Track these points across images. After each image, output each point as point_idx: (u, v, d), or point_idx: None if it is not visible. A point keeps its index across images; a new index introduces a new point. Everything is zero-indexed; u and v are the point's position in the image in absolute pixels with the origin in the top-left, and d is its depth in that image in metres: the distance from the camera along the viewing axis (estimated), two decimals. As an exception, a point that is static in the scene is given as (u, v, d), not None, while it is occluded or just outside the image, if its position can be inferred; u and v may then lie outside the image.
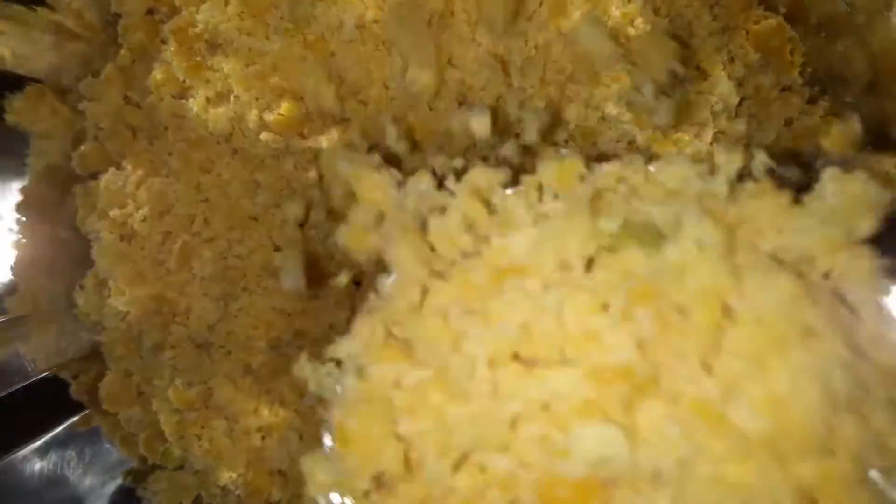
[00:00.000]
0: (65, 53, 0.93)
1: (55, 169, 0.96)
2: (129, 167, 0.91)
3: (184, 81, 0.87)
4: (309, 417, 0.96)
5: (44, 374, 0.93)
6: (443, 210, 0.63)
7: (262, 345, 0.93)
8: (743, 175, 0.60)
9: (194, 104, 0.86)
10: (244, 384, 0.93)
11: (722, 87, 0.80)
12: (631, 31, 0.77)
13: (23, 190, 0.94)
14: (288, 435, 0.95)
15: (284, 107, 0.83)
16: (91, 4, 0.90)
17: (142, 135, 0.89)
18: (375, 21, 0.80)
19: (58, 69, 0.94)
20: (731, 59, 0.81)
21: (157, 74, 0.88)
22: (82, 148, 0.93)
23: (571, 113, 0.80)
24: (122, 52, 0.92)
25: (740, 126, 0.81)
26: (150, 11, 0.89)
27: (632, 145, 0.80)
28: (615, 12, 0.77)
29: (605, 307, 0.54)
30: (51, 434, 0.93)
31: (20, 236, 0.94)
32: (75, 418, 0.95)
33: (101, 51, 0.93)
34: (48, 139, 0.96)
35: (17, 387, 0.90)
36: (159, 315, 0.89)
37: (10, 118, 0.91)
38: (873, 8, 0.81)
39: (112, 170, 0.92)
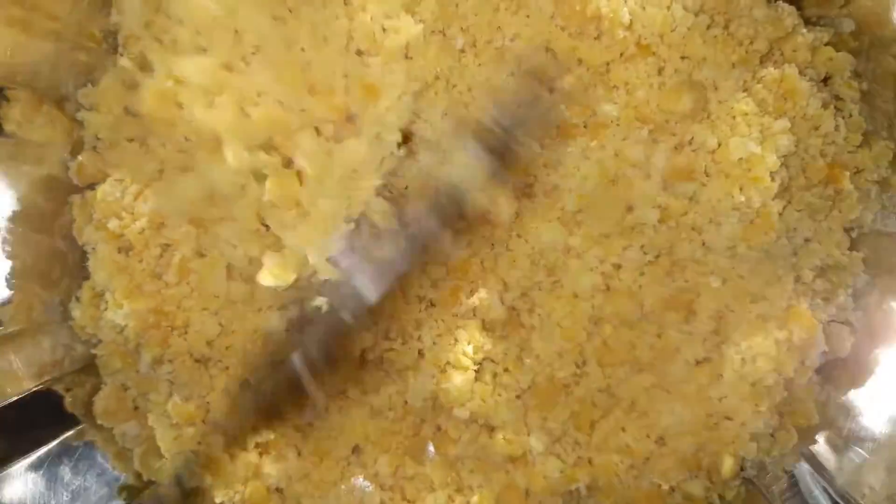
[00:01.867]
0: (63, 62, 0.92)
1: (52, 179, 0.94)
2: (127, 178, 0.89)
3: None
4: (308, 433, 0.95)
5: (37, 387, 0.91)
6: None
7: (262, 360, 0.92)
8: None
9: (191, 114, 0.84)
10: (242, 400, 0.92)
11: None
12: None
13: (19, 199, 0.93)
14: (285, 452, 0.94)
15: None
16: (91, 14, 0.89)
17: (140, 145, 0.88)
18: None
19: (56, 78, 0.92)
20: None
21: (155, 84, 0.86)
22: (80, 158, 0.92)
23: None
24: (122, 61, 0.90)
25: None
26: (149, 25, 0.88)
27: None
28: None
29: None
30: (45, 449, 0.91)
31: (14, 246, 0.92)
32: (70, 433, 0.93)
33: (101, 61, 0.91)
34: (45, 148, 0.95)
35: (10, 400, 0.88)
36: (158, 328, 0.88)
37: (7, 127, 0.89)
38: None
39: (110, 180, 0.90)
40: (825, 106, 0.87)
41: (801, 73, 0.86)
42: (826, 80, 0.89)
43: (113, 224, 0.90)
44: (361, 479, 0.95)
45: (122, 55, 0.91)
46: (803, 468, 0.92)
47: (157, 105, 0.79)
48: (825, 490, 0.90)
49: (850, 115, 0.89)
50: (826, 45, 0.88)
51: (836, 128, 0.88)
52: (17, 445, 0.90)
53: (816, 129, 0.87)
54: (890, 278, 0.90)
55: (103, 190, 0.91)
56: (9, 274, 0.90)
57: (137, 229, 0.89)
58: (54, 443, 0.92)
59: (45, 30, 0.87)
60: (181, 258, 0.87)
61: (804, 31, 0.87)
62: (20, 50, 0.87)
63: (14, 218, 0.91)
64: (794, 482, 0.93)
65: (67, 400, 0.94)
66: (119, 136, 0.90)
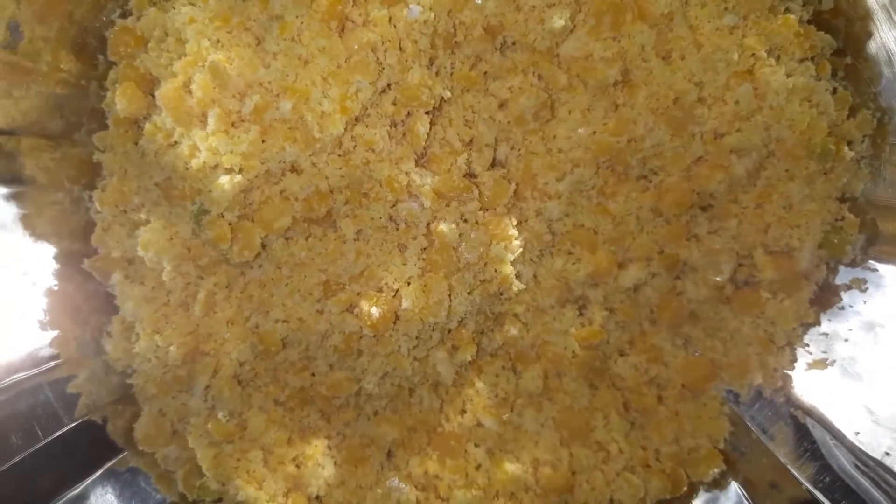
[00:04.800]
0: (50, 103, 0.94)
1: (71, 217, 0.97)
2: (144, 215, 0.92)
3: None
4: (342, 443, 0.98)
5: (78, 421, 0.94)
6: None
7: (291, 377, 0.96)
8: None
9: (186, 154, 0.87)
10: (276, 415, 0.95)
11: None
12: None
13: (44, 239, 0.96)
14: (322, 461, 0.97)
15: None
16: (72, 54, 0.92)
17: (153, 183, 0.91)
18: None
19: (44, 118, 0.94)
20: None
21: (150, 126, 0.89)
22: (99, 191, 0.95)
23: None
24: (109, 96, 0.94)
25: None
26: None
27: None
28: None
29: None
30: (90, 478, 0.94)
31: (52, 284, 0.95)
32: (113, 461, 0.96)
33: (83, 98, 0.94)
34: (58, 189, 0.97)
35: (54, 435, 0.91)
36: (198, 354, 0.91)
37: (26, 172, 0.92)
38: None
39: (132, 217, 0.93)
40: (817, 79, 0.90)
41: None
42: (813, 58, 0.91)
43: (137, 261, 0.93)
44: (396, 482, 0.99)
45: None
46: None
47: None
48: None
49: (836, 91, 0.92)
50: (808, 22, 0.91)
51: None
52: (63, 478, 0.94)
53: (808, 100, 0.90)
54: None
55: (123, 226, 0.94)
56: (45, 312, 0.94)
57: (162, 267, 0.91)
58: (99, 472, 0.95)
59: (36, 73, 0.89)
60: (207, 294, 0.90)
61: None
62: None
63: (46, 256, 0.94)
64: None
65: (109, 427, 0.98)
66: (132, 174, 0.93)
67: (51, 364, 0.94)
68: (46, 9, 0.89)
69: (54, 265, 0.96)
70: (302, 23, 0.82)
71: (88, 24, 0.92)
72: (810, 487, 0.94)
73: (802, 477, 0.95)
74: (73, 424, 0.93)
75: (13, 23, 0.85)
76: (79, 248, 0.97)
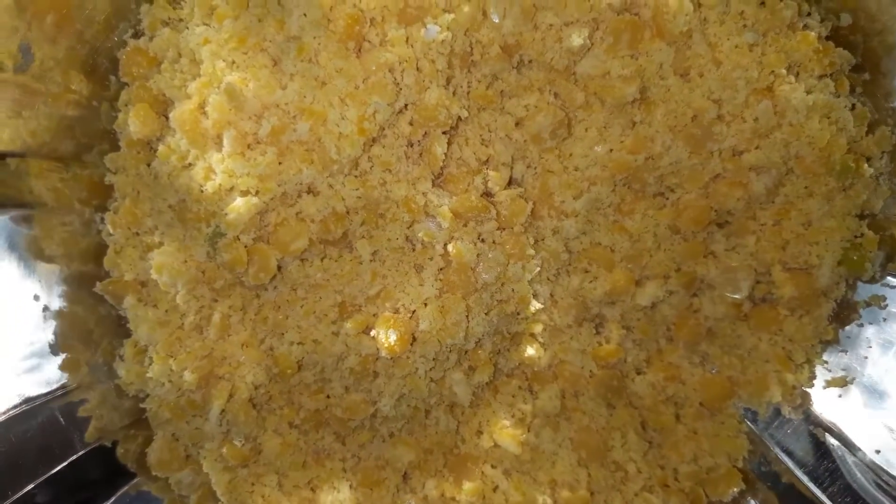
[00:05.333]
0: (62, 125, 0.93)
1: (82, 240, 0.96)
2: (158, 238, 0.91)
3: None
4: (357, 465, 0.97)
5: (90, 447, 0.93)
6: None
7: (305, 399, 0.94)
8: None
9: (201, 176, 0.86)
10: (291, 438, 0.94)
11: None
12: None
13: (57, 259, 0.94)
14: (337, 485, 0.96)
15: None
16: (83, 75, 0.91)
17: (167, 206, 0.90)
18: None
19: (53, 139, 0.93)
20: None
21: (164, 147, 0.88)
22: (111, 214, 0.93)
23: None
24: (120, 117, 0.93)
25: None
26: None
27: None
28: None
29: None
30: (104, 505, 0.93)
31: (63, 307, 0.94)
32: (126, 487, 0.95)
33: (95, 119, 0.93)
34: (67, 211, 0.96)
35: (68, 461, 0.90)
36: (212, 378, 0.90)
37: (37, 196, 0.91)
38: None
39: (144, 239, 0.92)
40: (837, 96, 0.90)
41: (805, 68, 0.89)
42: (831, 74, 0.91)
43: (150, 284, 0.92)
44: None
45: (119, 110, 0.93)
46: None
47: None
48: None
49: (854, 107, 0.92)
50: (826, 39, 0.90)
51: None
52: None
53: (828, 117, 0.89)
54: None
55: (135, 249, 0.93)
56: (53, 339, 0.92)
57: (175, 291, 0.90)
58: (112, 499, 0.94)
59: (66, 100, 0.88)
60: (221, 318, 0.89)
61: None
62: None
63: (55, 279, 0.93)
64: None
65: (119, 451, 0.96)
66: (145, 195, 0.92)
67: (63, 389, 0.92)
68: (56, 29, 0.87)
69: (65, 288, 0.94)
70: (319, 44, 0.81)
71: (99, 44, 0.91)
72: (831, 506, 0.93)
73: (823, 496, 0.94)
74: (87, 450, 0.92)
75: (24, 45, 0.84)
76: (90, 270, 0.95)
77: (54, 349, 0.93)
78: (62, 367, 0.93)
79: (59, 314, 0.93)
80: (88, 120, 0.93)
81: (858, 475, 0.93)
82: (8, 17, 0.81)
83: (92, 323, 0.95)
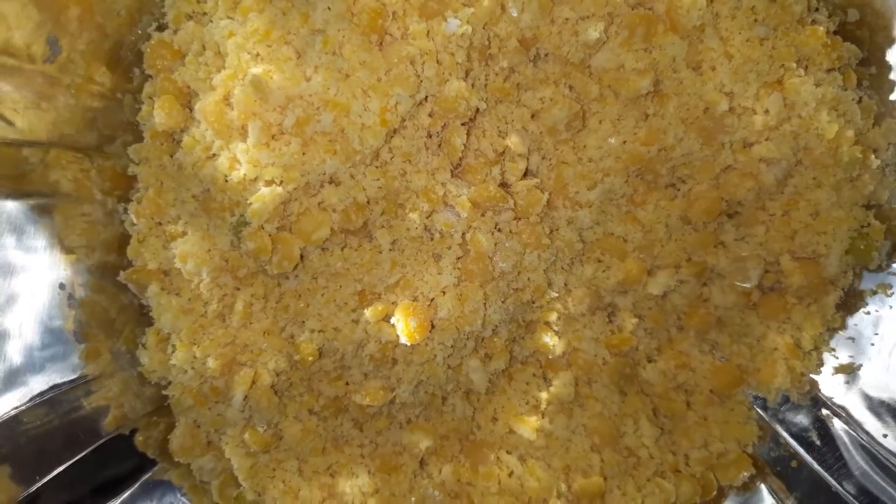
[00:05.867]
0: (85, 116, 0.94)
1: (104, 230, 0.97)
2: (181, 227, 0.93)
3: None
4: (374, 451, 0.99)
5: (112, 434, 0.94)
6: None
7: (325, 386, 0.96)
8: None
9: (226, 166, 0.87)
10: (311, 425, 0.96)
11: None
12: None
13: (79, 250, 0.96)
14: (356, 470, 0.98)
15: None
16: (107, 67, 0.92)
17: (190, 196, 0.91)
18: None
19: (76, 131, 0.94)
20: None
21: (189, 138, 0.90)
22: (135, 204, 0.95)
23: None
24: (144, 109, 0.94)
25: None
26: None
27: None
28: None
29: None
30: (128, 493, 0.94)
31: (85, 296, 0.95)
32: (148, 474, 0.97)
33: (118, 111, 0.95)
34: (88, 201, 0.97)
35: (92, 447, 0.91)
36: (235, 365, 0.92)
37: (62, 188, 0.92)
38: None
39: (167, 229, 0.94)
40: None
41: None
42: (839, 68, 0.93)
43: (173, 272, 0.94)
44: (430, 489, 0.99)
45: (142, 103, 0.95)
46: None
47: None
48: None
49: (861, 100, 0.94)
50: (834, 33, 0.93)
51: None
52: (100, 492, 0.94)
53: (836, 110, 0.91)
54: None
55: (159, 238, 0.95)
56: (76, 326, 0.94)
57: (199, 279, 0.91)
58: (136, 485, 0.95)
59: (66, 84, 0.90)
60: (244, 305, 0.91)
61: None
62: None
63: (77, 269, 0.94)
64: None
65: (138, 439, 0.98)
66: (169, 186, 0.93)
67: (87, 376, 0.93)
68: (80, 23, 0.89)
69: (87, 277, 0.96)
70: (343, 37, 0.82)
71: (123, 37, 0.93)
72: (839, 489, 0.95)
73: (832, 479, 0.96)
74: (111, 436, 0.93)
75: (52, 37, 0.85)
76: (112, 260, 0.97)
77: (78, 337, 0.94)
78: (84, 356, 0.94)
79: (82, 303, 0.95)
80: (112, 111, 0.95)
81: (866, 459, 0.95)
82: (36, 9, 0.83)
83: (114, 312, 0.97)
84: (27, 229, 0.90)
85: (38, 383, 0.89)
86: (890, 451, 0.92)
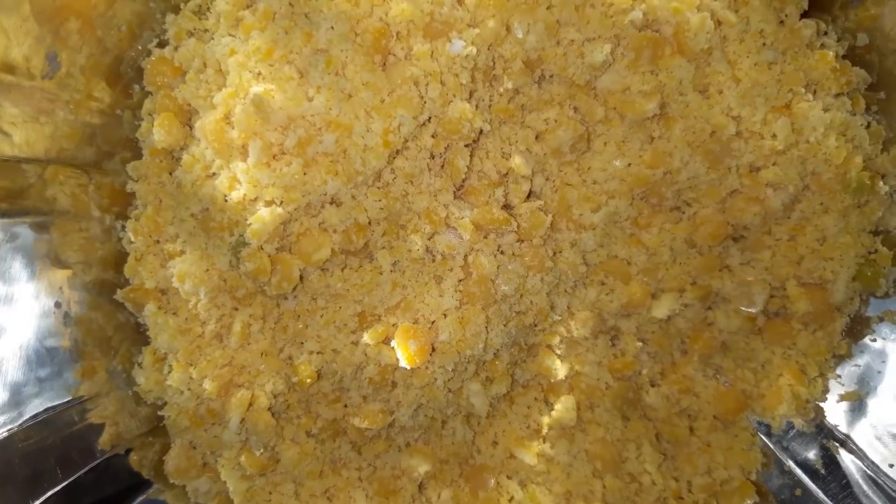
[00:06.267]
0: (84, 132, 0.93)
1: (101, 247, 0.96)
2: (179, 246, 0.91)
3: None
4: (372, 475, 0.97)
5: (107, 455, 0.93)
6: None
7: (323, 409, 0.95)
8: None
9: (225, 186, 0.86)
10: (308, 447, 0.95)
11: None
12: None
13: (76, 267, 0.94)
14: (353, 493, 0.96)
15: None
16: (106, 83, 0.91)
17: (189, 214, 0.90)
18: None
19: (75, 147, 0.93)
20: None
21: (188, 157, 0.89)
22: (133, 221, 0.94)
23: None
24: (143, 126, 0.93)
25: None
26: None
27: None
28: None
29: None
30: (122, 513, 0.93)
31: (81, 314, 0.94)
32: (143, 496, 0.95)
33: (117, 127, 0.94)
34: (86, 218, 0.96)
35: (87, 468, 0.90)
36: (232, 387, 0.90)
37: (59, 205, 0.91)
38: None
39: (165, 247, 0.92)
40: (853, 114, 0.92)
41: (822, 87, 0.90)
42: (848, 93, 0.92)
43: (170, 292, 0.92)
44: (429, 511, 0.98)
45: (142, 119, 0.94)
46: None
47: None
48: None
49: (869, 125, 0.93)
50: (843, 58, 0.92)
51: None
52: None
53: (844, 135, 0.90)
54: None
55: (156, 257, 0.93)
56: (71, 344, 0.92)
57: (196, 299, 0.90)
58: (131, 506, 0.94)
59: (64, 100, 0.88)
60: (242, 326, 0.89)
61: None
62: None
63: (73, 286, 0.93)
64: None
65: (133, 458, 0.96)
66: (167, 203, 0.92)
67: (83, 396, 0.92)
68: (80, 38, 0.88)
69: (84, 294, 0.94)
70: (346, 57, 0.81)
71: (123, 53, 0.91)
72: (844, 520, 0.94)
73: (836, 509, 0.95)
74: (106, 457, 0.92)
75: (51, 53, 0.84)
76: (109, 278, 0.95)
77: (73, 356, 0.93)
78: (80, 374, 0.93)
79: (77, 321, 0.93)
80: (110, 128, 0.94)
81: (872, 489, 0.94)
82: (35, 24, 0.82)
83: (111, 330, 0.96)
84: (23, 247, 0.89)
85: (31, 402, 0.88)
86: (895, 482, 0.91)
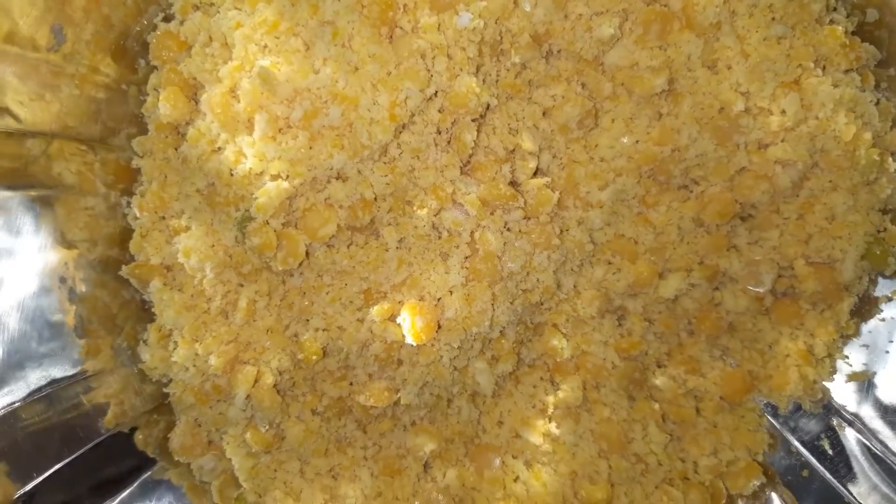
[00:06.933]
0: (89, 107, 0.93)
1: (109, 223, 0.96)
2: (185, 222, 0.91)
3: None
4: (377, 454, 0.97)
5: (112, 431, 0.93)
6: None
7: (328, 387, 0.94)
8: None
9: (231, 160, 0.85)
10: (313, 425, 0.94)
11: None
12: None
13: (82, 244, 0.94)
14: (358, 472, 0.96)
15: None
16: (112, 58, 0.91)
17: (195, 190, 0.90)
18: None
19: (80, 122, 0.93)
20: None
21: (194, 131, 0.88)
22: (138, 197, 0.94)
23: None
24: (149, 101, 0.93)
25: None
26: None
27: None
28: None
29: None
30: (126, 492, 0.92)
31: (86, 291, 0.93)
32: (148, 473, 0.95)
33: (122, 102, 0.94)
34: (91, 194, 0.96)
35: (91, 444, 0.90)
36: (237, 364, 0.90)
37: (66, 180, 0.91)
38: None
39: (170, 223, 0.92)
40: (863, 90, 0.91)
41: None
42: (857, 69, 0.91)
43: (175, 268, 0.92)
44: (434, 494, 0.97)
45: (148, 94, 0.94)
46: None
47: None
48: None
49: (879, 102, 0.92)
50: (853, 34, 0.91)
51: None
52: (98, 490, 0.92)
53: (854, 112, 0.89)
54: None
55: (163, 233, 0.93)
56: (76, 321, 0.92)
57: (202, 274, 0.90)
58: (135, 485, 0.94)
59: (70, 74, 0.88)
60: (248, 303, 0.89)
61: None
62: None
63: (79, 263, 0.93)
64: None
65: (138, 437, 0.96)
66: (172, 180, 0.92)
67: (87, 373, 0.92)
68: (86, 12, 0.87)
69: (89, 271, 0.94)
70: (353, 29, 0.81)
71: (129, 27, 0.91)
72: (851, 500, 0.93)
73: (843, 489, 0.94)
74: (110, 433, 0.91)
75: (57, 25, 0.84)
76: (114, 254, 0.95)
77: (78, 332, 0.92)
78: (85, 351, 0.92)
79: (82, 298, 0.93)
80: (116, 103, 0.93)
81: (879, 469, 0.93)
82: (40, -4, 0.82)
83: (116, 307, 0.95)
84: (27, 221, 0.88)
85: (36, 378, 0.87)
86: (904, 462, 0.90)
